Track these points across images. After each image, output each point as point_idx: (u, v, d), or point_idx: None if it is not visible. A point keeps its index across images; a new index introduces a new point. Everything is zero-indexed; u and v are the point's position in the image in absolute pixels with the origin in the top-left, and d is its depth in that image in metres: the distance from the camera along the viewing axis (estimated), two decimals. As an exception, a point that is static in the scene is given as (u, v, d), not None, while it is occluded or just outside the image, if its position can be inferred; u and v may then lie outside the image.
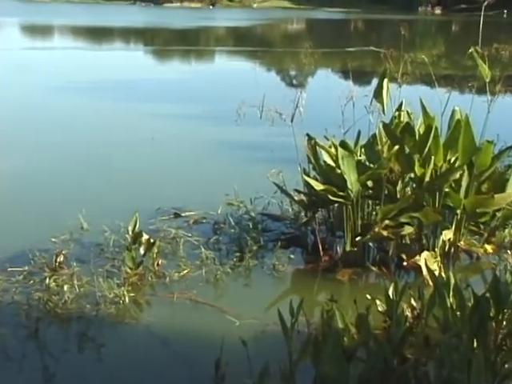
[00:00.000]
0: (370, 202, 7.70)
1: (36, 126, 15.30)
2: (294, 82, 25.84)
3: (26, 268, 6.96)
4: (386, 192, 7.37)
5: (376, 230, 7.18)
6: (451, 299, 4.52)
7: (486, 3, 8.46)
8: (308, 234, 8.11)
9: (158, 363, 5.49)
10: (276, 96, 8.08)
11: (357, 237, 7.35)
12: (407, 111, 7.57)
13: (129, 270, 6.89)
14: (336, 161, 7.27)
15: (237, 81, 24.72)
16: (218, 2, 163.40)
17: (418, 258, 7.06)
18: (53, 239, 7.69)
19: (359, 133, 7.73)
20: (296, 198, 8.00)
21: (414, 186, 7.42)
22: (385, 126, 7.25)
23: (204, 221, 8.65)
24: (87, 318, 6.13)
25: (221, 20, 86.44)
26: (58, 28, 63.13)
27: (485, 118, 7.60)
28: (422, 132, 7.10)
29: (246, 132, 12.59)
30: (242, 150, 12.62)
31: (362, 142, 7.64)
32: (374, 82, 10.98)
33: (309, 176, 7.63)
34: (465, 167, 7.12)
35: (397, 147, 7.09)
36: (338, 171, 7.20)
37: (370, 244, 7.64)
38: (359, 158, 7.46)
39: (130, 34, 58.23)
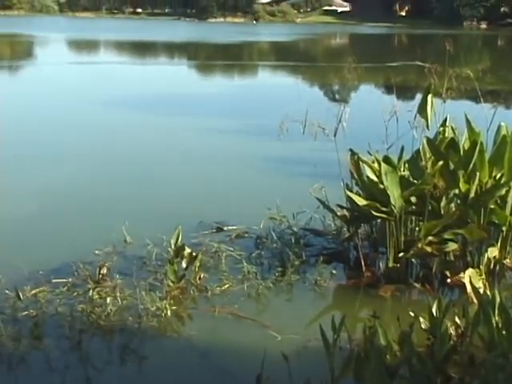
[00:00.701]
0: (413, 217, 7.63)
1: (80, 139, 15.50)
2: (337, 96, 25.80)
3: (70, 280, 7.03)
4: (430, 208, 7.29)
5: (419, 246, 7.10)
6: (496, 318, 4.45)
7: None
8: (350, 249, 8.06)
9: (199, 377, 5.49)
10: (319, 111, 8.10)
11: (400, 253, 7.29)
12: (452, 127, 7.49)
13: (171, 284, 6.92)
14: (379, 176, 7.22)
15: (279, 95, 24.76)
16: (261, 17, 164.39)
17: (462, 275, 6.96)
18: (96, 252, 7.77)
19: (403, 148, 7.67)
20: (338, 213, 7.96)
21: (459, 202, 7.33)
22: (429, 141, 7.19)
23: (246, 235, 8.65)
24: (129, 330, 6.16)
25: (264, 35, 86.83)
26: (103, 43, 64.05)
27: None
28: (466, 148, 7.03)
29: (289, 147, 12.59)
30: (285, 164, 12.62)
31: (406, 157, 7.58)
32: (418, 97, 10.92)
33: (352, 191, 7.59)
34: (511, 183, 7.02)
35: (441, 163, 7.01)
36: (381, 186, 7.15)
37: (413, 260, 7.56)
38: (403, 173, 7.40)
39: (173, 49, 58.83)
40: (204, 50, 58.49)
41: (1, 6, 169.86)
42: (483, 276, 6.95)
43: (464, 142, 7.18)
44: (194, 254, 7.16)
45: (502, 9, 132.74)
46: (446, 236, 7.13)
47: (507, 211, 7.08)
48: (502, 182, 6.99)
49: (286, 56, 50.86)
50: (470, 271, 6.87)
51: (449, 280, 7.20)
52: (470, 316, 4.82)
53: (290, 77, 34.30)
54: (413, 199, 7.33)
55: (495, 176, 7.05)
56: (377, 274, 7.48)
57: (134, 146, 14.74)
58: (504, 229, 7.18)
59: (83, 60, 42.80)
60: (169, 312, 6.40)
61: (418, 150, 7.46)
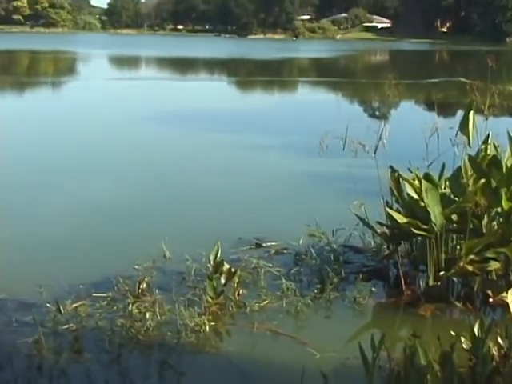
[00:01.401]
0: (454, 235, 7.55)
1: (120, 154, 15.67)
2: (377, 113, 25.71)
3: (110, 294, 7.09)
4: (471, 226, 7.21)
5: (461, 264, 7.02)
6: (540, 339, 4.38)
7: None
8: (390, 267, 7.99)
9: (238, 394, 5.48)
10: (359, 127, 8.06)
11: (440, 271, 7.21)
12: (494, 144, 7.42)
13: (210, 299, 6.93)
14: (420, 193, 7.17)
15: (319, 112, 24.75)
16: (301, 34, 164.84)
17: (504, 294, 6.84)
18: (136, 266, 7.81)
19: (444, 165, 7.61)
20: (378, 230, 7.91)
21: (501, 220, 7.24)
22: (471, 158, 7.12)
23: (285, 251, 8.64)
24: (168, 345, 6.18)
25: (304, 51, 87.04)
26: (145, 59, 64.82)
27: None
28: (509, 165, 6.95)
29: (329, 163, 12.54)
30: (324, 181, 12.60)
31: (447, 174, 7.52)
32: (460, 114, 10.83)
33: (392, 208, 7.54)
34: (554, 202, 6.92)
35: (483, 180, 6.94)
36: (422, 204, 7.09)
37: (454, 279, 7.47)
38: (444, 191, 7.34)
39: (214, 65, 59.25)
40: (244, 67, 58.79)
41: (46, 23, 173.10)
42: (526, 296, 6.83)
43: (506, 160, 7.10)
44: (232, 269, 7.17)
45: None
46: (488, 255, 7.04)
47: (551, 230, 6.96)
48: (546, 200, 6.89)
49: (325, 72, 50.91)
50: (512, 291, 6.76)
51: (491, 299, 7.10)
52: (513, 337, 4.75)
53: (330, 93, 34.31)
54: (454, 217, 7.25)
55: (538, 194, 6.95)
56: (417, 292, 7.40)
57: (173, 162, 14.85)
58: (547, 248, 7.06)
59: (124, 76, 43.33)
60: (207, 328, 6.41)
61: (460, 167, 7.39)
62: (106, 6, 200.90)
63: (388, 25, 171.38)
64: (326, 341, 6.24)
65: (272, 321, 6.67)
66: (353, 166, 9.14)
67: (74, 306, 6.76)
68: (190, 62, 62.69)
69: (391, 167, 7.61)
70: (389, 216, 7.52)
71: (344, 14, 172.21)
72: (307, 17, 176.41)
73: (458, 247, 7.50)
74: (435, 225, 7.00)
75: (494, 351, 4.80)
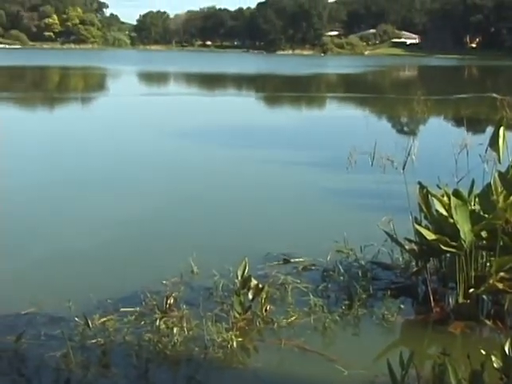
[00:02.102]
0: (484, 252, 7.47)
1: (148, 170, 15.74)
2: (406, 129, 25.61)
3: (138, 309, 7.11)
4: (501, 243, 7.13)
5: (491, 282, 6.95)
6: None
7: None
8: (419, 283, 7.94)
9: (265, 410, 5.46)
10: (387, 143, 8.06)
11: (470, 288, 7.13)
12: (525, 160, 7.35)
13: (237, 315, 6.92)
14: (449, 210, 7.11)
15: (348, 127, 24.73)
16: (330, 50, 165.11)
17: (535, 312, 6.77)
18: (164, 282, 7.84)
19: (473, 182, 7.55)
20: (407, 246, 7.85)
21: (532, 237, 7.15)
22: (501, 175, 7.06)
23: (313, 267, 8.61)
24: (195, 361, 6.18)
25: (332, 67, 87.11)
26: (173, 75, 65.26)
27: None
28: (540, 182, 6.87)
29: (357, 179, 12.52)
30: (353, 197, 12.55)
31: (477, 191, 7.46)
32: (489, 130, 10.78)
33: (420, 225, 7.49)
34: None
35: (513, 197, 6.88)
36: (451, 221, 7.04)
37: (484, 296, 7.39)
38: (473, 207, 7.28)
39: (242, 81, 59.47)
40: (272, 82, 58.95)
41: (76, 40, 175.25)
42: (558, 314, 6.74)
43: (537, 177, 7.02)
44: (260, 285, 7.16)
45: None
46: (519, 272, 6.96)
47: None
48: None
49: (353, 88, 50.86)
50: (543, 309, 6.68)
51: (521, 317, 7.01)
52: (545, 356, 4.67)
53: (358, 109, 34.25)
54: (483, 234, 7.18)
55: None
56: (446, 309, 7.33)
57: (201, 177, 14.88)
58: None
59: (153, 92, 43.66)
60: (235, 343, 6.40)
61: (489, 183, 7.33)
62: (135, 23, 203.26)
63: (416, 40, 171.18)
64: (354, 358, 6.20)
65: (299, 337, 6.64)
66: (381, 182, 9.14)
67: (102, 320, 6.79)
68: (218, 77, 63.02)
69: (420, 183, 7.57)
70: (417, 232, 7.47)
71: (372, 30, 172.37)
72: (335, 33, 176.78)
73: (488, 264, 7.42)
74: (464, 242, 6.93)
75: (525, 370, 4.74)
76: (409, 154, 8.01)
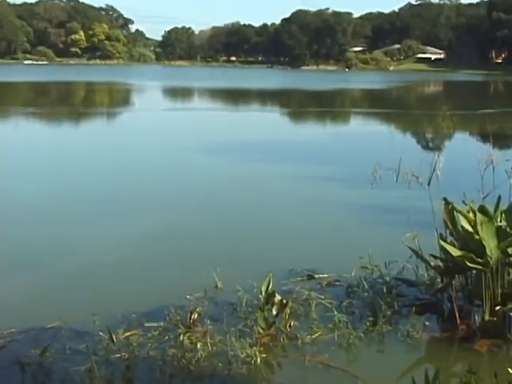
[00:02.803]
0: (510, 269, 7.40)
1: (172, 185, 15.80)
2: (431, 144, 25.48)
3: (162, 324, 7.12)
4: (529, 260, 7.06)
5: (517, 299, 6.88)
6: None
7: None
8: (444, 300, 7.86)
9: (288, 427, 5.42)
10: (412, 159, 7.99)
11: (496, 306, 7.06)
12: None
13: (261, 331, 6.90)
14: (474, 226, 7.06)
15: (372, 143, 24.67)
16: (354, 65, 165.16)
17: (563, 331, 6.68)
18: (188, 297, 7.84)
19: (499, 198, 7.49)
20: (432, 263, 7.80)
21: (559, 254, 7.07)
22: (527, 191, 7.00)
23: (337, 283, 8.57)
24: (219, 376, 6.16)
25: (356, 82, 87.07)
26: (198, 90, 65.58)
27: None
28: None
29: (382, 195, 12.48)
30: (377, 212, 12.51)
31: (503, 207, 7.39)
32: (516, 145, 10.67)
33: (446, 241, 7.43)
34: None
35: (540, 214, 6.81)
36: (477, 237, 6.98)
37: (511, 314, 7.31)
38: (499, 223, 7.21)
39: (266, 96, 59.62)
40: (296, 97, 59.06)
41: (102, 55, 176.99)
42: None
43: None
44: (284, 301, 7.14)
45: None
46: (546, 289, 6.88)
47: None
48: None
49: (378, 103, 50.79)
50: None
51: (549, 336, 6.92)
52: None
53: (383, 124, 34.17)
54: (510, 250, 7.11)
55: None
56: (472, 327, 7.26)
57: (226, 193, 14.91)
58: None
59: (178, 107, 43.91)
60: (258, 359, 6.37)
61: (516, 200, 7.27)
62: (160, 38, 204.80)
63: (441, 56, 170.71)
64: (379, 375, 6.16)
65: (324, 353, 6.61)
66: (406, 198, 9.09)
67: (126, 335, 6.80)
68: (242, 92, 63.21)
69: (445, 199, 7.52)
70: (443, 249, 7.42)
71: (397, 46, 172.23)
72: (360, 48, 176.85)
73: (515, 281, 7.34)
74: (491, 258, 6.87)
75: (553, 389, 4.67)
76: (434, 170, 7.96)
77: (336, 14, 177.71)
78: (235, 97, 58.08)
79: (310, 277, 8.79)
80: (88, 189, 15.04)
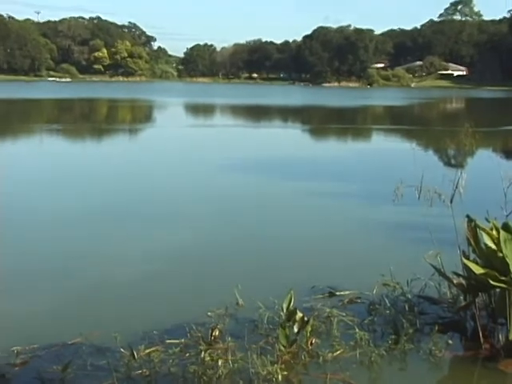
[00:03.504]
0: (534, 288, 7.32)
1: (195, 201, 15.82)
2: (453, 161, 25.33)
3: (183, 340, 7.11)
4: (553, 278, 6.98)
5: (541, 318, 6.80)
6: None
7: None
8: (467, 319, 7.79)
9: None
10: (434, 176, 7.97)
11: (521, 325, 6.99)
12: None
13: (282, 348, 6.86)
14: (498, 244, 7.00)
15: (394, 160, 24.61)
16: (375, 82, 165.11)
17: None
18: (209, 313, 7.82)
19: (523, 215, 7.43)
20: (455, 281, 7.73)
21: None
22: (551, 208, 6.94)
23: (359, 301, 8.53)
24: (240, 394, 6.14)
25: (378, 99, 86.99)
26: (219, 107, 65.82)
27: None
28: None
29: (404, 212, 12.43)
30: (399, 230, 12.45)
31: (527, 225, 7.32)
32: (539, 162, 10.59)
33: (468, 259, 7.37)
34: None
35: None
36: (500, 255, 6.92)
37: (536, 333, 7.23)
38: (523, 241, 7.14)
39: (288, 113, 59.74)
40: (318, 114, 59.09)
41: (124, 72, 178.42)
42: None
43: None
44: (305, 318, 7.11)
45: None
46: None
47: None
48: None
49: (400, 120, 50.68)
50: None
51: None
52: None
53: (405, 141, 34.07)
54: (534, 269, 7.04)
55: None
56: (496, 346, 7.18)
57: (247, 210, 14.93)
58: None
59: (200, 123, 44.10)
60: (279, 377, 6.35)
61: (540, 217, 7.20)
62: (182, 55, 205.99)
63: (464, 72, 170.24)
64: (401, 394, 6.10)
65: (345, 371, 6.57)
66: (428, 215, 9.04)
67: (148, 351, 6.80)
68: (264, 109, 63.38)
69: (468, 216, 7.46)
70: (465, 266, 7.36)
71: (419, 62, 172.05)
72: (381, 65, 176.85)
73: (539, 300, 7.26)
74: (514, 276, 6.80)
75: None
76: (456, 187, 7.92)
77: (358, 30, 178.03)
78: (257, 113, 58.22)
79: (332, 294, 8.76)
80: (109, 205, 15.11)
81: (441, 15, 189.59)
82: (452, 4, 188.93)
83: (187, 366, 6.55)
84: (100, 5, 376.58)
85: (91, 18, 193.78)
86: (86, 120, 47.39)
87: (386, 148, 30.08)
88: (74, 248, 11.28)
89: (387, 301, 8.20)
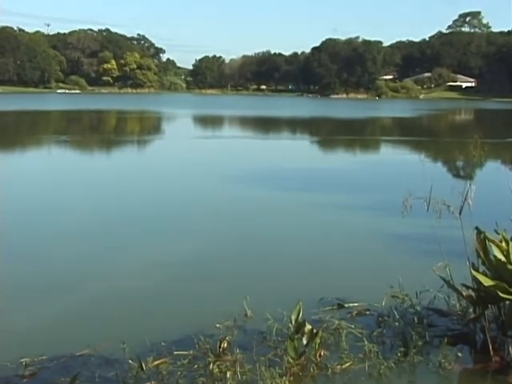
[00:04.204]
0: (544, 300, 7.28)
1: (204, 212, 15.82)
2: (462, 173, 25.31)
3: (191, 352, 7.10)
4: None
5: (551, 330, 6.75)
6: None
7: None
8: (477, 331, 7.75)
9: None
10: (443, 188, 7.95)
11: (530, 337, 6.94)
12: None
13: (291, 360, 6.84)
14: (507, 256, 6.97)
15: (402, 171, 24.57)
16: (384, 93, 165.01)
17: None
18: (217, 325, 7.82)
19: (533, 227, 7.40)
20: (464, 293, 7.70)
21: None
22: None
23: (367, 313, 8.51)
24: (248, 406, 6.12)
25: (386, 110, 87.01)
26: (228, 118, 65.91)
27: None
28: None
29: (413, 224, 12.40)
30: (408, 241, 12.42)
31: (536, 237, 7.30)
32: (549, 174, 10.56)
33: (478, 271, 7.34)
34: None
35: None
36: (510, 267, 6.89)
37: (546, 346, 7.19)
38: (532, 253, 7.11)
39: (296, 124, 59.75)
40: (326, 126, 59.10)
41: (133, 84, 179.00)
42: None
43: None
44: (314, 330, 7.08)
45: None
46: None
47: None
48: None
49: (408, 131, 50.65)
50: None
51: None
52: None
53: (413, 152, 34.03)
54: (544, 281, 7.01)
55: None
56: (506, 359, 7.14)
57: (255, 221, 14.91)
58: None
59: (208, 135, 44.16)
60: (288, 389, 6.32)
61: (550, 229, 7.17)
62: (191, 67, 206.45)
63: (472, 84, 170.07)
64: (410, 407, 6.06)
65: (354, 384, 6.54)
66: (437, 227, 9.01)
67: (156, 363, 6.80)
68: (272, 121, 63.43)
69: (477, 228, 7.44)
70: (475, 278, 7.33)
71: (427, 74, 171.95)
72: (390, 76, 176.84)
73: (549, 312, 7.22)
74: (524, 288, 6.77)
75: None
76: (465, 199, 7.91)
77: (366, 42, 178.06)
78: (265, 125, 58.25)
79: (340, 306, 8.74)
80: (117, 215, 15.12)
81: (449, 27, 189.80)
82: (461, 16, 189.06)
83: (196, 377, 6.54)
84: (109, 17, 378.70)
85: (100, 30, 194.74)
86: (95, 131, 47.55)
87: (395, 159, 30.06)
88: (83, 260, 11.28)
89: (396, 313, 8.18)
